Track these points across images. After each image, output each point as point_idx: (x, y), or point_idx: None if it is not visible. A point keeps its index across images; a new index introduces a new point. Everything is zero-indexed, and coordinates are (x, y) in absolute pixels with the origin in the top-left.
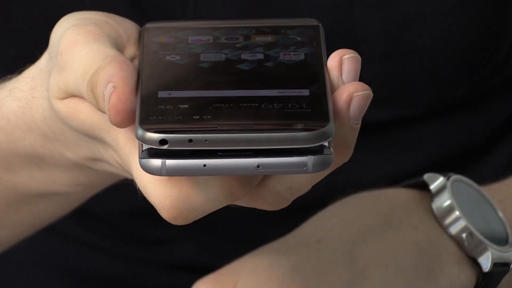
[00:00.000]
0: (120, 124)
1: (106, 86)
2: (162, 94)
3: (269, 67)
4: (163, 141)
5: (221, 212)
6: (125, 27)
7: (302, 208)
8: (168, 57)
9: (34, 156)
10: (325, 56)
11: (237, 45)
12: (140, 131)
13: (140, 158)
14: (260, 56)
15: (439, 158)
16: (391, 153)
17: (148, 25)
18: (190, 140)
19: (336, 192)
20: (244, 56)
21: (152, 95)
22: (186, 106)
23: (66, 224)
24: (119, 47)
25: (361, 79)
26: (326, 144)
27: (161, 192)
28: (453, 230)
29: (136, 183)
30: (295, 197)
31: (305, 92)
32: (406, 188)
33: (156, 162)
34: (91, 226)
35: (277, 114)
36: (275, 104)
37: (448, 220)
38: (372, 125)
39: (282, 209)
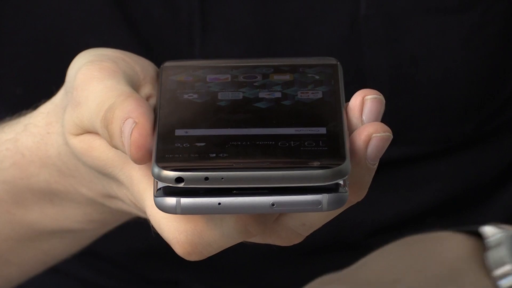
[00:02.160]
0: (141, 160)
1: (124, 122)
2: (179, 132)
3: (286, 105)
4: (179, 179)
5: (229, 253)
6: (142, 65)
7: (312, 250)
8: (185, 96)
9: (47, 192)
10: (343, 95)
11: (255, 84)
12: (157, 169)
13: (155, 196)
14: (278, 94)
15: (448, 196)
16: (398, 191)
17: (167, 63)
18: (206, 178)
19: (345, 232)
20: (262, 94)
21: (169, 133)
22: (203, 144)
23: (70, 264)
24: (135, 85)
25: None
26: (341, 182)
27: (176, 227)
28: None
29: (150, 220)
30: (308, 233)
31: (322, 130)
32: (464, 235)
33: (171, 201)
34: (97, 266)
35: (293, 152)
36: (292, 142)
37: (499, 273)
38: (379, 163)
39: (291, 252)
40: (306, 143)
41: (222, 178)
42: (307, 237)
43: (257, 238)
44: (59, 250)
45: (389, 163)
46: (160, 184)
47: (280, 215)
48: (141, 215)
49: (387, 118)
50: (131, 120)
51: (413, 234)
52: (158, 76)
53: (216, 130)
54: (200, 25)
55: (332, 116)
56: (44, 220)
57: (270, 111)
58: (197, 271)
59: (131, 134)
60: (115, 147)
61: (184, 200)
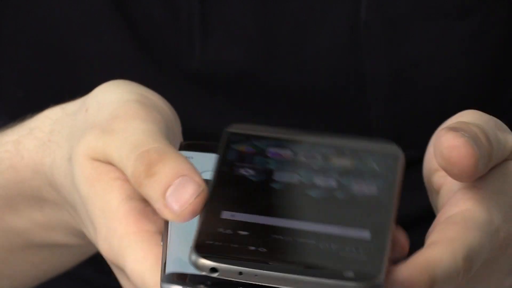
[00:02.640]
0: (184, 220)
1: (181, 178)
2: (225, 214)
3: (338, 198)
4: (213, 270)
5: None
6: (178, 128)
7: None
8: (242, 170)
9: (38, 199)
10: (399, 189)
11: (313, 166)
12: (194, 256)
13: (162, 281)
14: (333, 182)
15: None
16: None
17: (232, 128)
18: (240, 273)
19: None
20: (317, 180)
21: (215, 213)
22: (245, 233)
23: (83, 269)
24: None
25: (368, 119)
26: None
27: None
28: None
29: (131, 273)
30: None
31: (366, 234)
32: None
33: None
34: (102, 267)
35: (331, 257)
36: (332, 245)
37: None
38: None
39: None
40: (346, 248)
41: (256, 275)
42: None
43: None
44: (50, 264)
45: None
46: (168, 270)
47: None
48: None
49: (386, 122)
50: (197, 185)
51: (414, 237)
52: (220, 140)
53: (262, 218)
54: (201, 26)
55: (380, 220)
56: (33, 229)
57: (321, 203)
58: None
59: (196, 198)
60: (140, 185)
61: None
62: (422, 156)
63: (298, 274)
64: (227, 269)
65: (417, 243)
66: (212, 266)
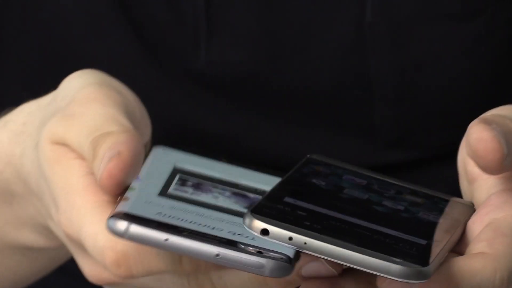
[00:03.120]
0: (107, 188)
1: (110, 149)
2: (288, 199)
3: (402, 216)
4: (265, 231)
5: None
6: (143, 113)
7: None
8: (313, 179)
9: (7, 193)
10: (460, 234)
11: (385, 194)
12: (249, 217)
13: (108, 218)
14: (401, 207)
15: None
16: None
17: (313, 155)
18: (290, 238)
19: None
20: (386, 203)
21: (278, 196)
22: (303, 213)
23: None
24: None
25: (372, 120)
26: (291, 255)
27: (116, 238)
28: None
29: (86, 237)
30: None
31: (422, 241)
32: None
33: (121, 225)
34: None
35: (383, 246)
36: (387, 239)
37: None
38: (383, 167)
39: None
40: (400, 244)
41: (305, 243)
42: None
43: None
44: (26, 269)
45: (394, 167)
46: (117, 209)
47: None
48: (65, 245)
49: (392, 122)
50: (117, 150)
51: None
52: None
53: (322, 209)
54: (206, 28)
55: (439, 238)
56: (3, 228)
57: (385, 214)
58: None
59: (109, 161)
60: (91, 169)
61: (134, 228)
62: (426, 157)
63: (347, 249)
64: (277, 232)
65: None
66: (264, 227)
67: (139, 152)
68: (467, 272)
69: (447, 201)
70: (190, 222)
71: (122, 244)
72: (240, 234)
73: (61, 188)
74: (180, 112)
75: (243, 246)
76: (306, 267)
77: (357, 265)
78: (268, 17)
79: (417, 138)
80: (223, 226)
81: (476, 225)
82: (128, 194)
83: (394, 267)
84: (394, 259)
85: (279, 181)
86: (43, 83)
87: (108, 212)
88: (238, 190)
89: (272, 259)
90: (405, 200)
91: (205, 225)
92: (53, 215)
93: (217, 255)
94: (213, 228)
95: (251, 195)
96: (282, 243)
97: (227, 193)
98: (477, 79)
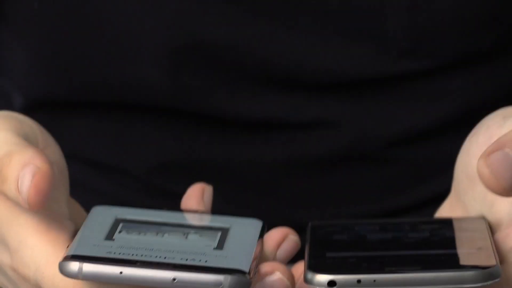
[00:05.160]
0: (36, 205)
1: (24, 168)
2: (330, 254)
3: (435, 239)
4: (331, 283)
5: (248, 165)
6: (45, 136)
7: (331, 161)
8: (334, 236)
9: None
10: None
11: (403, 230)
12: (310, 273)
13: (60, 262)
14: (426, 234)
15: (463, 110)
16: (416, 104)
17: (314, 222)
18: (359, 281)
19: (363, 144)
20: (411, 235)
21: (320, 254)
22: (354, 260)
23: (88, 177)
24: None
25: (386, 30)
26: (246, 270)
27: (72, 281)
28: None
29: (43, 279)
30: None
31: (473, 250)
32: None
33: (74, 266)
34: (115, 179)
35: (444, 262)
36: (442, 257)
37: None
38: (395, 77)
39: (310, 164)
40: (457, 257)
41: (375, 281)
42: (325, 149)
43: None
44: None
45: (405, 77)
46: (68, 252)
47: None
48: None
49: (404, 31)
50: (33, 165)
51: (429, 148)
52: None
53: (366, 253)
54: None
55: (482, 245)
56: None
57: (420, 242)
58: (214, 181)
59: (33, 178)
60: (3, 192)
61: (87, 266)
62: (438, 66)
63: (417, 272)
64: (345, 278)
65: None
66: (331, 279)
67: (51, 162)
68: None
69: (453, 220)
70: (141, 255)
71: (80, 285)
72: (192, 259)
73: (9, 227)
74: (191, 21)
75: (198, 268)
76: (259, 284)
77: (432, 285)
78: None
79: (430, 47)
80: (174, 255)
81: None
82: (74, 242)
83: (468, 274)
84: (464, 268)
85: (307, 246)
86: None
87: (63, 250)
88: (182, 228)
89: (229, 274)
90: (422, 229)
91: (156, 256)
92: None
93: (174, 279)
94: (165, 258)
95: (195, 231)
96: None
97: (172, 231)
98: None
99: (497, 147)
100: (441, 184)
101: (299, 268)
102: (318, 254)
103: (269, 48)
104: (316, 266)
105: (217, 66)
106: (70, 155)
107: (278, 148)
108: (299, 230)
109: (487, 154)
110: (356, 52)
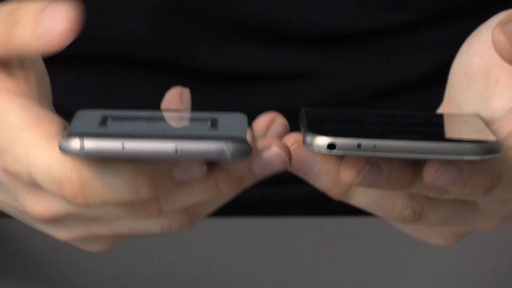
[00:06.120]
0: (64, 41)
1: (45, 9)
2: (329, 123)
3: (439, 122)
4: (331, 146)
5: None
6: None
7: None
8: (335, 112)
9: None
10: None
11: (405, 116)
12: (310, 135)
13: (60, 142)
14: (426, 119)
15: (446, 64)
16: (399, 57)
17: (308, 108)
18: (359, 145)
19: (348, 94)
20: (413, 119)
21: (323, 122)
22: (359, 127)
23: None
24: None
25: None
26: (246, 137)
27: (71, 167)
28: None
29: (38, 171)
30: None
31: (474, 132)
32: None
33: (75, 143)
34: None
35: (447, 137)
36: (446, 134)
37: None
38: (380, 30)
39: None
40: (460, 135)
41: (375, 146)
42: (309, 100)
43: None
44: None
45: (388, 30)
46: (68, 132)
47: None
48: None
49: None
50: (55, 6)
51: (413, 99)
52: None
53: (371, 124)
54: None
55: (481, 128)
56: None
57: (424, 123)
58: None
59: (60, 13)
60: (9, 41)
61: (88, 142)
62: (421, 19)
63: (418, 140)
64: (344, 142)
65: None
66: (331, 142)
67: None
68: None
69: (450, 114)
70: (141, 130)
71: (78, 174)
72: (191, 128)
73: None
74: None
75: (199, 136)
76: (257, 161)
77: (432, 154)
78: None
79: (413, 0)
80: (173, 131)
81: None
82: (71, 126)
83: (469, 145)
84: (466, 141)
85: (303, 125)
86: None
87: (56, 142)
88: (173, 118)
89: (231, 142)
90: (421, 115)
91: (156, 129)
92: None
93: (176, 151)
94: (165, 130)
95: (186, 119)
96: (349, 153)
97: (164, 119)
98: None
99: None
100: None
101: (290, 138)
102: (317, 122)
103: (253, 1)
104: (316, 129)
105: (201, 18)
106: (54, 108)
107: (262, 99)
108: None
109: (504, 22)
110: (341, 5)
